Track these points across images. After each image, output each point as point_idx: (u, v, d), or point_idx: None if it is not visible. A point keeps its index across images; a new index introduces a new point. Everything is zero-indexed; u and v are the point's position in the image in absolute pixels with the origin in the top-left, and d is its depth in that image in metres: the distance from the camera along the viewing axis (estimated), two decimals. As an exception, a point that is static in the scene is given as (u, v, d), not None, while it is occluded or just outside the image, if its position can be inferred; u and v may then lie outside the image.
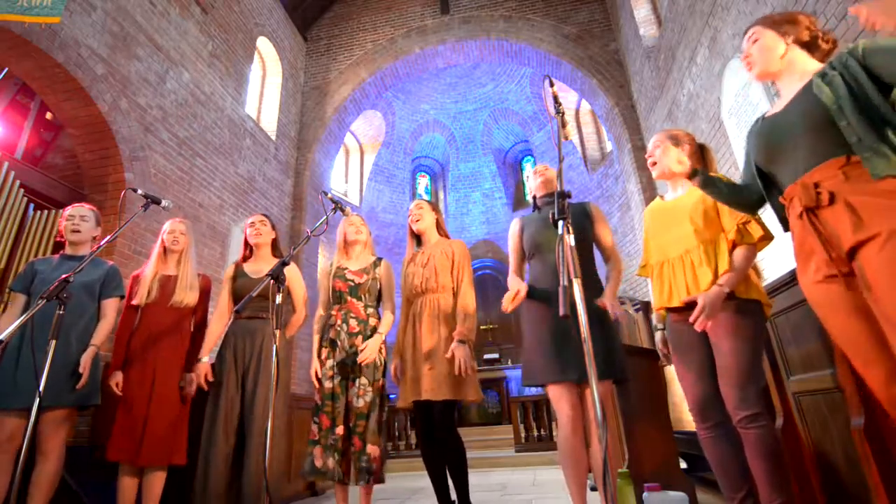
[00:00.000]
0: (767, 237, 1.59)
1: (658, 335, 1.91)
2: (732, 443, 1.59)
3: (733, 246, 1.61)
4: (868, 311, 1.11)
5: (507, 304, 1.92)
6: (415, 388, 2.15)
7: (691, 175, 1.52)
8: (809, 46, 1.33)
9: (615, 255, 2.03)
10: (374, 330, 2.36)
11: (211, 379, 2.30)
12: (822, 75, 1.19)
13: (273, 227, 2.65)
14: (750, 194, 1.44)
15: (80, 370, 2.11)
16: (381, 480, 2.20)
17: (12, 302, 2.23)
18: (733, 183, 1.49)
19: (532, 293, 1.98)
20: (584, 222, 2.02)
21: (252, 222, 2.59)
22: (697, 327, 1.52)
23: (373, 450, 2.18)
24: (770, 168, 1.33)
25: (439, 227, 2.48)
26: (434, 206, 2.51)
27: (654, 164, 1.79)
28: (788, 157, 1.25)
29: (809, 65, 1.30)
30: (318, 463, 2.15)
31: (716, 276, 1.59)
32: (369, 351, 2.26)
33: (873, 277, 1.06)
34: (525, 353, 1.98)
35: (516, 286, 1.93)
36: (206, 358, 2.34)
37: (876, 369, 1.11)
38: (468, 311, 2.20)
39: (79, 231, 2.33)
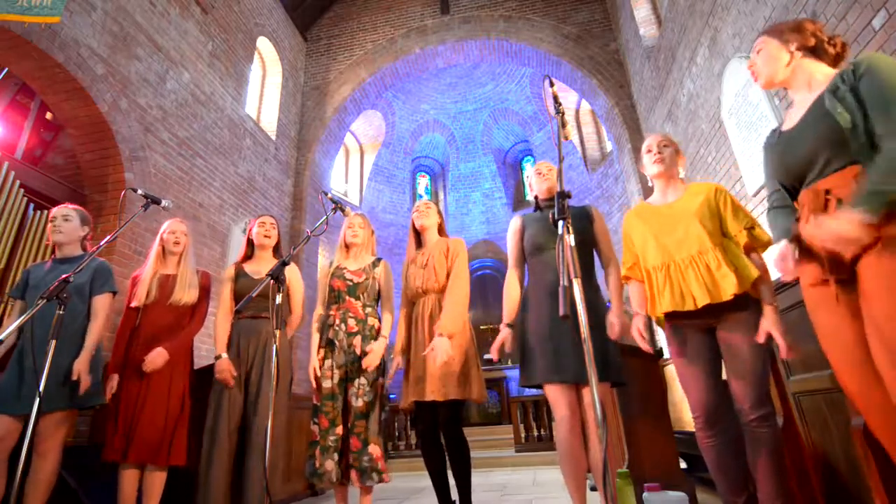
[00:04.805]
0: (771, 242, 1.59)
1: (638, 320, 1.75)
2: (736, 448, 1.59)
3: (744, 249, 1.61)
4: (858, 316, 1.11)
5: (494, 353, 1.97)
6: (418, 389, 2.15)
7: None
8: (816, 52, 1.32)
9: (615, 260, 2.02)
10: (373, 329, 2.36)
11: (235, 373, 2.28)
12: (834, 90, 1.17)
13: (278, 233, 2.66)
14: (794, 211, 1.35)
15: (74, 377, 2.06)
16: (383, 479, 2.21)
17: (12, 309, 2.27)
18: (776, 214, 1.38)
19: (531, 293, 1.98)
20: (585, 224, 2.02)
21: (263, 221, 2.58)
22: (789, 356, 1.49)
23: (375, 450, 2.18)
24: (787, 182, 1.33)
25: (441, 229, 2.49)
26: (439, 210, 2.55)
27: (662, 160, 1.80)
28: (805, 171, 1.25)
29: (818, 72, 1.29)
30: (318, 464, 2.15)
31: (739, 278, 1.55)
32: (374, 357, 2.26)
33: (866, 283, 1.08)
34: (523, 352, 1.98)
35: (500, 337, 1.98)
36: (225, 354, 2.32)
37: (854, 374, 1.12)
38: (456, 301, 2.16)
39: (61, 232, 2.30)
